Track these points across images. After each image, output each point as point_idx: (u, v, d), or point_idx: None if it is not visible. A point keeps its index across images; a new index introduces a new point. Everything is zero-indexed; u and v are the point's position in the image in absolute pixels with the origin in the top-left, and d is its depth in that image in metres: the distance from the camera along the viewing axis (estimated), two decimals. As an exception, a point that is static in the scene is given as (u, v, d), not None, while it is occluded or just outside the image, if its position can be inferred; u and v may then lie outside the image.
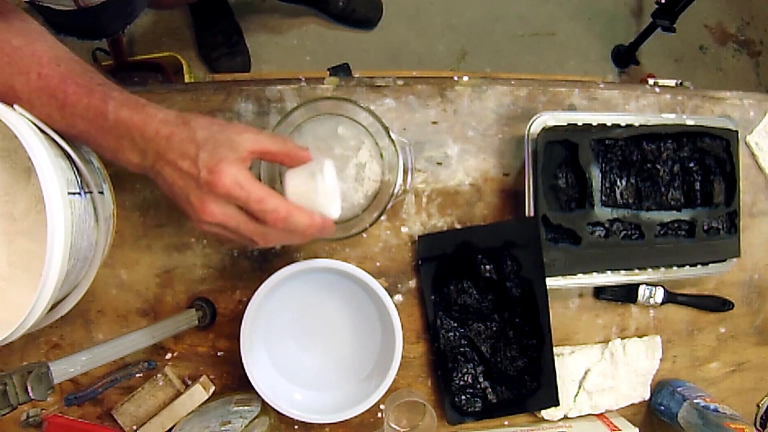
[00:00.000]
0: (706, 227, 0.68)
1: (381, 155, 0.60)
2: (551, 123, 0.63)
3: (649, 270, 0.67)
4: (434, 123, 0.68)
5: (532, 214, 0.63)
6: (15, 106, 0.47)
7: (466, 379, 0.68)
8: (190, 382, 0.66)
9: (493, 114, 0.68)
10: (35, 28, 0.49)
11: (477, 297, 0.67)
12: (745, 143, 0.74)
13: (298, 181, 0.49)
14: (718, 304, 0.74)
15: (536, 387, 0.67)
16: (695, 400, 0.68)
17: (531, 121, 0.63)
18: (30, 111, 0.47)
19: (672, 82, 0.87)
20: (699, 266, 0.69)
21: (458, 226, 0.68)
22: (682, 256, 0.68)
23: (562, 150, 0.65)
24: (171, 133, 0.44)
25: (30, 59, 0.46)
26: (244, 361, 0.59)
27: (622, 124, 0.65)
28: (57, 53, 0.48)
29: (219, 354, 0.67)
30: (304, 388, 0.65)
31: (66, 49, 0.49)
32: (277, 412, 0.61)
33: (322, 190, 0.48)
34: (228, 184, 0.43)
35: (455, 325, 0.67)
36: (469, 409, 0.68)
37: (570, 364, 0.70)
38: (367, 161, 0.60)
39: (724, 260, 0.70)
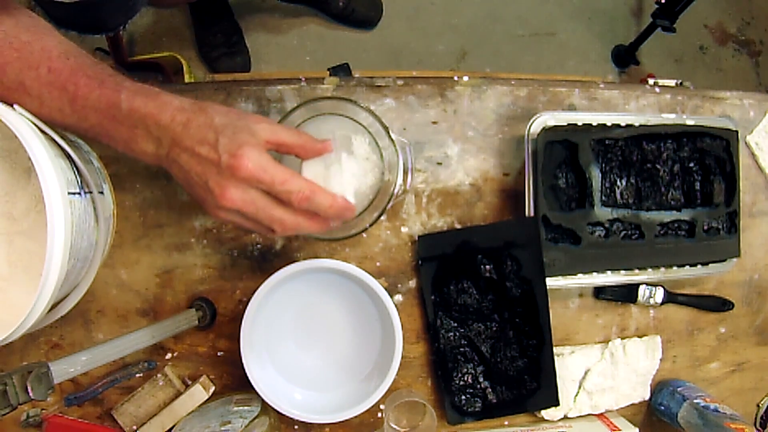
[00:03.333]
0: (706, 227, 0.68)
1: (381, 155, 0.60)
2: (551, 123, 0.63)
3: (649, 270, 0.67)
4: (434, 123, 0.68)
5: (532, 214, 0.63)
6: (15, 106, 0.47)
7: (466, 379, 0.68)
8: (190, 382, 0.66)
9: (493, 114, 0.68)
10: (43, 24, 0.49)
11: (477, 297, 0.67)
12: (745, 143, 0.74)
13: (313, 173, 0.49)
14: (718, 304, 0.74)
15: (536, 387, 0.67)
16: (695, 400, 0.68)
17: (531, 121, 0.63)
18: (40, 106, 0.47)
19: (672, 82, 0.87)
20: (699, 266, 0.69)
21: (458, 226, 0.68)
22: (682, 256, 0.68)
23: (562, 150, 0.65)
24: (188, 119, 0.44)
25: (39, 54, 0.46)
26: (244, 361, 0.59)
27: (622, 124, 0.65)
28: (66, 48, 0.48)
29: (219, 354, 0.67)
30: (304, 388, 0.65)
31: (74, 44, 0.49)
32: (277, 412, 0.61)
33: (338, 182, 0.48)
34: (251, 167, 0.43)
35: (455, 325, 0.67)
36: (469, 409, 0.68)
37: (570, 364, 0.70)
38: (366, 161, 0.60)
39: (724, 260, 0.70)
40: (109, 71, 0.47)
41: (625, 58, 1.61)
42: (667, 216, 0.67)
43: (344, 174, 0.49)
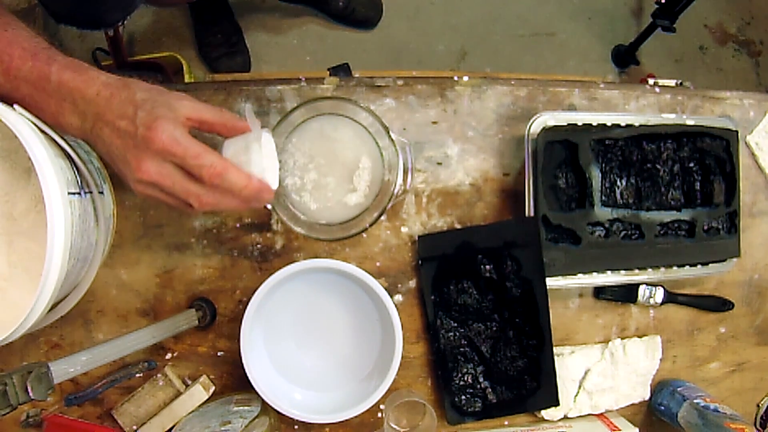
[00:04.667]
0: (706, 227, 0.68)
1: (381, 155, 0.60)
2: (551, 123, 0.63)
3: (649, 270, 0.67)
4: (434, 123, 0.68)
5: (532, 214, 0.63)
6: (15, 106, 0.47)
7: (466, 379, 0.68)
8: (190, 382, 0.66)
9: (493, 114, 0.68)
10: None
11: (477, 297, 0.67)
12: (745, 143, 0.74)
13: (233, 151, 0.49)
14: (718, 304, 0.74)
15: (536, 387, 0.67)
16: (695, 400, 0.68)
17: (531, 121, 0.63)
18: None
19: (672, 82, 0.87)
20: (699, 266, 0.69)
21: (458, 226, 0.68)
22: (682, 256, 0.68)
23: (562, 150, 0.65)
24: (111, 94, 0.45)
25: None
26: (244, 361, 0.59)
27: (622, 124, 0.65)
28: (5, 20, 0.48)
29: (219, 354, 0.66)
30: (304, 388, 0.65)
31: (14, 17, 0.49)
32: (277, 412, 0.61)
33: (257, 160, 0.48)
34: (165, 139, 0.43)
35: (455, 325, 0.67)
36: (469, 409, 0.68)
37: (570, 364, 0.70)
38: (365, 161, 0.60)
39: (724, 260, 0.70)
40: (44, 44, 0.48)
41: (625, 58, 1.61)
42: (667, 216, 0.67)
43: (264, 153, 0.49)
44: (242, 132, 0.50)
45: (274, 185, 0.50)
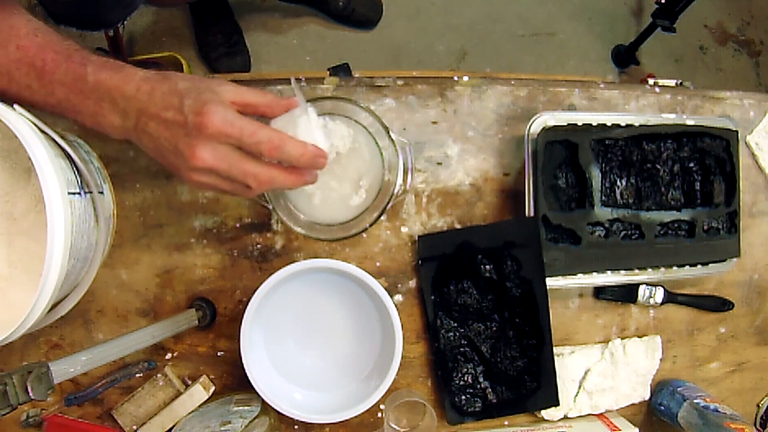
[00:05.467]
0: (706, 227, 0.68)
1: (381, 155, 0.60)
2: (551, 123, 0.63)
3: (649, 270, 0.67)
4: (434, 123, 0.68)
5: (532, 214, 0.63)
6: (15, 105, 0.47)
7: (466, 379, 0.68)
8: (190, 382, 0.66)
9: (493, 114, 0.68)
10: (10, 3, 0.49)
11: (477, 297, 0.67)
12: (745, 143, 0.74)
13: (280, 127, 0.49)
14: (718, 304, 0.74)
15: (536, 387, 0.67)
16: (695, 400, 0.68)
17: (531, 121, 0.63)
18: (9, 84, 0.47)
19: (672, 82, 0.87)
20: (699, 266, 0.69)
21: (458, 226, 0.68)
22: (682, 256, 0.68)
23: (562, 150, 0.65)
24: (152, 88, 0.44)
25: (8, 32, 0.46)
26: (244, 361, 0.59)
27: (622, 124, 0.65)
28: (35, 26, 0.48)
29: (219, 354, 0.66)
30: (304, 388, 0.65)
31: (42, 23, 0.49)
32: (277, 412, 0.61)
33: (307, 132, 0.49)
34: (217, 122, 0.43)
35: (455, 325, 0.67)
36: (469, 409, 0.68)
37: (570, 364, 0.70)
38: (366, 162, 0.60)
39: (724, 260, 0.70)
40: (75, 47, 0.47)
41: (625, 58, 1.61)
42: (667, 216, 0.67)
43: (312, 124, 0.49)
44: (287, 110, 0.50)
45: (329, 154, 0.51)
